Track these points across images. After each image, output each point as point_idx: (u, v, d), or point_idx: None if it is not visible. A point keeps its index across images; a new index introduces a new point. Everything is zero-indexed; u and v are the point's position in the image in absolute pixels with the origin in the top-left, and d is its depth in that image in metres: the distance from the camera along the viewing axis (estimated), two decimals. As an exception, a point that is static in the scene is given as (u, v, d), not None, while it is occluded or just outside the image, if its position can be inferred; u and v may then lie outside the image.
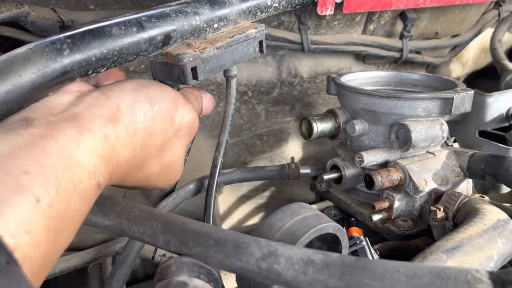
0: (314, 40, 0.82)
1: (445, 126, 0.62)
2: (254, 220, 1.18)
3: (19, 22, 0.63)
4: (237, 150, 1.02)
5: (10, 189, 0.28)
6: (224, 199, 1.12)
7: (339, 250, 0.45)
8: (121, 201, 0.41)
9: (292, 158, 0.76)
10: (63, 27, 0.68)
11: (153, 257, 0.64)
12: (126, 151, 0.41)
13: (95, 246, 0.64)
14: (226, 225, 1.14)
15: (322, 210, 0.72)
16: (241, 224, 1.16)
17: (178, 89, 0.59)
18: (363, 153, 0.62)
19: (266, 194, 1.17)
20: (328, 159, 0.70)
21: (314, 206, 1.17)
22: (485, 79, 1.35)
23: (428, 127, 0.60)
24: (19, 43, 0.75)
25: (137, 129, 0.42)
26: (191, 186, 0.62)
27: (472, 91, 0.62)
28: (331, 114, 0.69)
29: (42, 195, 0.30)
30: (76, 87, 0.41)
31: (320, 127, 0.68)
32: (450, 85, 0.68)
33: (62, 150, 0.34)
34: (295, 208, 0.43)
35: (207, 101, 0.58)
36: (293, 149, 1.08)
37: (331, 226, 0.41)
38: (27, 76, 0.37)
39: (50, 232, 0.31)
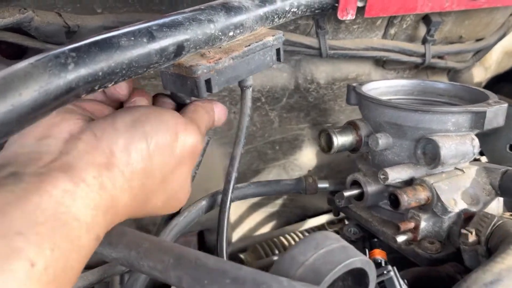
0: (332, 45, 0.78)
1: (476, 142, 0.58)
2: (266, 228, 1.15)
3: (22, 27, 0.60)
4: (249, 158, 0.99)
5: (2, 254, 0.26)
6: (235, 207, 1.08)
7: (366, 283, 0.41)
8: (129, 232, 0.38)
9: (310, 171, 0.72)
10: (69, 32, 0.65)
11: None
12: (125, 196, 0.38)
13: (100, 266, 0.60)
14: (237, 233, 1.11)
15: (342, 228, 0.68)
16: (252, 232, 1.13)
17: (189, 101, 0.55)
18: (388, 170, 0.58)
19: (279, 202, 1.13)
20: (343, 166, 0.66)
21: (326, 216, 1.13)
22: (507, 83, 1.30)
23: (458, 143, 0.56)
24: (22, 49, 0.71)
25: (134, 171, 0.39)
26: (203, 202, 0.59)
27: (506, 104, 0.57)
28: (351, 126, 0.65)
29: (37, 258, 0.27)
30: (66, 128, 0.38)
31: (341, 140, 0.64)
32: (479, 96, 0.64)
33: (57, 205, 0.31)
34: (319, 239, 0.39)
35: (220, 112, 0.55)
36: (307, 157, 1.04)
37: (359, 261, 0.37)
38: (28, 94, 0.34)
39: None
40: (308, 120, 0.96)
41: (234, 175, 0.58)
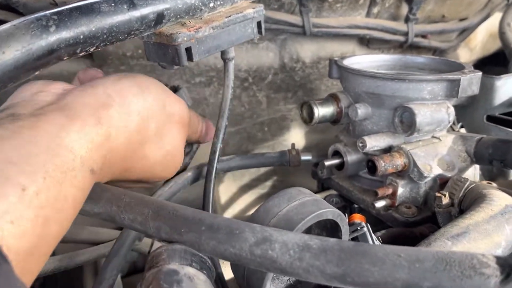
0: (316, 23, 0.79)
1: (452, 110, 0.59)
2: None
3: (11, 4, 0.61)
4: (238, 139, 1.01)
5: None
6: (225, 189, 1.10)
7: (338, 237, 0.43)
8: (111, 188, 0.40)
9: (293, 144, 0.74)
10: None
11: (149, 252, 0.63)
12: (121, 136, 0.40)
13: (92, 247, 0.62)
14: (228, 214, 1.13)
15: (324, 198, 0.70)
16: (242, 213, 1.15)
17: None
18: (366, 138, 0.60)
19: (268, 183, 1.15)
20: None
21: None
22: (493, 65, 1.32)
23: (433, 111, 0.58)
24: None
25: (130, 112, 0.41)
26: (189, 174, 0.60)
27: (480, 73, 0.59)
28: (332, 98, 0.67)
29: (28, 184, 0.29)
30: (60, 86, 0.40)
31: (322, 111, 0.66)
32: (457, 68, 0.66)
33: (51, 138, 0.33)
34: (293, 193, 0.41)
35: (211, 132, 0.60)
36: (296, 137, 1.06)
37: (330, 212, 0.39)
38: (11, 53, 0.35)
39: (38, 221, 0.30)
40: (295, 100, 0.98)
41: (219, 145, 0.60)
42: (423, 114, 0.57)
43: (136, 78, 0.44)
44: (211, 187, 0.59)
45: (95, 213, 0.41)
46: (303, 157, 0.72)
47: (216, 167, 0.60)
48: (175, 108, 0.48)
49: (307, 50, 0.88)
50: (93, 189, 0.41)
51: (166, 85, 0.53)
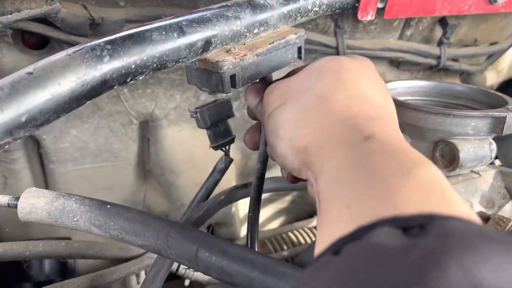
0: (350, 44, 0.78)
1: (494, 146, 0.58)
2: (274, 224, 1.16)
3: (49, 18, 0.61)
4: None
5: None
6: (245, 202, 1.09)
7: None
8: (153, 221, 0.39)
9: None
10: (93, 25, 0.66)
11: (177, 270, 0.62)
12: None
13: (122, 264, 0.61)
14: (246, 228, 1.12)
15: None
16: (261, 228, 1.14)
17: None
18: (404, 170, 0.58)
19: (288, 198, 1.14)
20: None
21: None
22: (518, 87, 1.30)
23: (476, 147, 0.56)
24: (44, 40, 0.72)
25: None
26: (222, 197, 0.60)
27: (524, 112, 0.58)
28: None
29: None
30: None
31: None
32: (496, 100, 0.64)
33: None
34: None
35: None
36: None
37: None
38: (66, 85, 0.35)
39: None
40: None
41: (263, 171, 0.56)
42: (466, 151, 0.55)
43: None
44: (257, 219, 0.55)
45: (140, 245, 0.40)
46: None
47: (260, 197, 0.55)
48: None
49: (338, 70, 0.87)
50: (135, 220, 0.40)
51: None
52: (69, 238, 0.77)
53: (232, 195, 0.61)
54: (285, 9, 0.56)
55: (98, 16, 0.64)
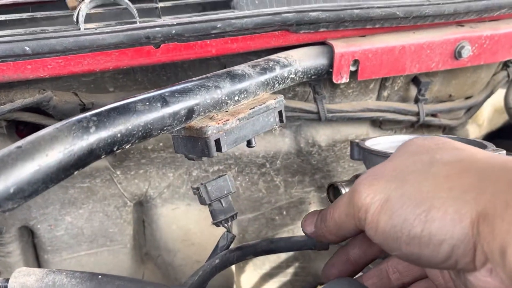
0: (330, 108, 0.82)
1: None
2: (278, 299, 1.11)
3: (41, 107, 0.64)
4: (257, 226, 0.99)
5: None
6: (246, 278, 1.06)
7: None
8: (146, 285, 0.38)
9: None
10: (84, 110, 0.69)
11: None
12: None
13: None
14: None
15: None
16: (265, 304, 1.09)
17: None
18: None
19: (290, 271, 1.11)
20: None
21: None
22: (502, 139, 1.34)
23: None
24: (38, 129, 0.76)
25: None
26: (217, 261, 0.58)
27: (504, 151, 0.60)
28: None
29: None
30: None
31: (348, 194, 0.65)
32: (477, 146, 0.66)
33: None
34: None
35: None
36: (315, 221, 1.04)
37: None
38: (54, 155, 0.36)
39: None
40: (313, 183, 0.98)
41: None
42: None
43: None
44: None
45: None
46: (331, 242, 0.70)
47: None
48: None
49: (322, 134, 0.90)
50: (127, 287, 0.39)
51: None
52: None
53: (227, 258, 0.60)
54: (263, 77, 0.60)
55: (88, 102, 0.67)
